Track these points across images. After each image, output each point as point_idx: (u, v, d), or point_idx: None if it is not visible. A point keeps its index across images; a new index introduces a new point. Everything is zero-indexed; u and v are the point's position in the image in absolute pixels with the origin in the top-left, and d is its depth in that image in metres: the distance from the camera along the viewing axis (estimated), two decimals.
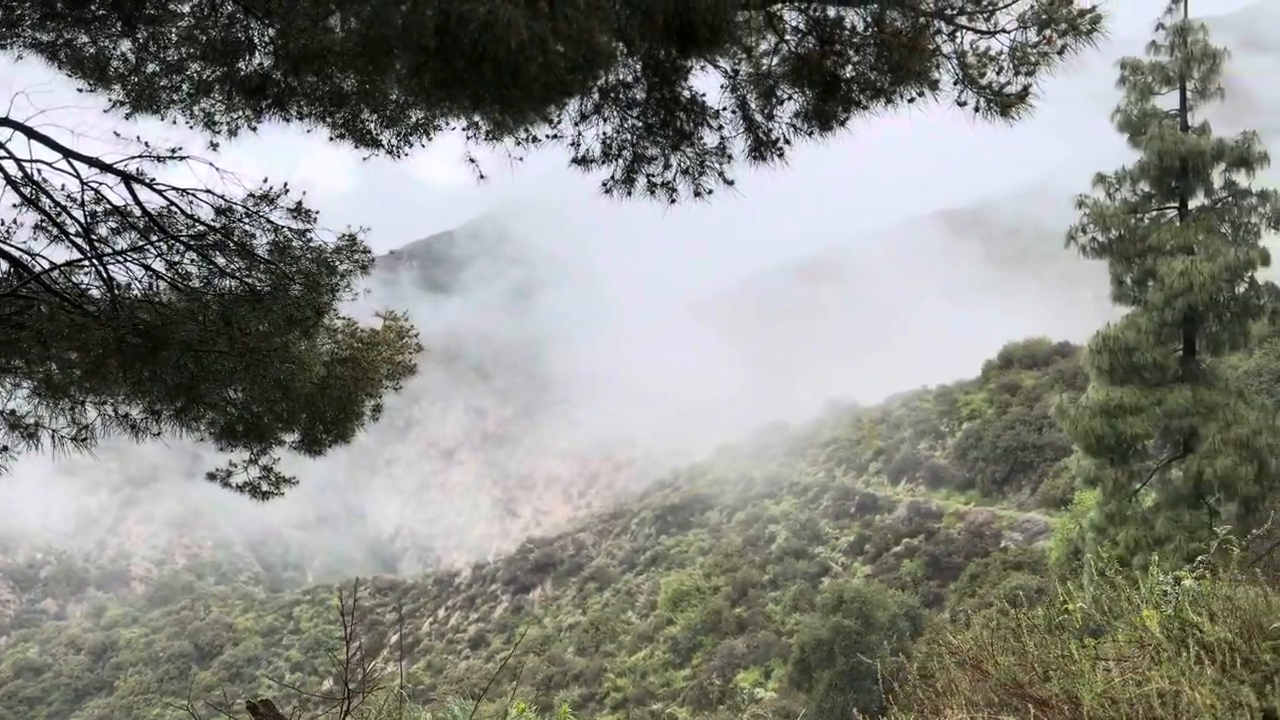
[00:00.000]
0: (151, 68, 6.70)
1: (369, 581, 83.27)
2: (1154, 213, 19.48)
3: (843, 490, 60.23)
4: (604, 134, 5.09)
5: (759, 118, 4.76)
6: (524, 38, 2.89)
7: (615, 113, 4.95)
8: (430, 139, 6.65)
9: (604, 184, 5.19)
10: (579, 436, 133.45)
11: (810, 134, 4.96)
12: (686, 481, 77.85)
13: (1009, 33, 4.86)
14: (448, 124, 6.30)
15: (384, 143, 6.79)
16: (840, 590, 34.73)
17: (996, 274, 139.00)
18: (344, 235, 7.00)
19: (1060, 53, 4.84)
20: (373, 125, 6.77)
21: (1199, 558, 5.23)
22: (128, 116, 6.86)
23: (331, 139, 6.78)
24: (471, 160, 5.17)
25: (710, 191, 5.07)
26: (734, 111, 5.09)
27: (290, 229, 6.83)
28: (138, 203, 6.83)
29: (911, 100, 4.88)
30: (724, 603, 46.02)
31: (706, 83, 5.12)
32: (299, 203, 6.72)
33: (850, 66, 4.54)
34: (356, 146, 6.87)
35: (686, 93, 4.74)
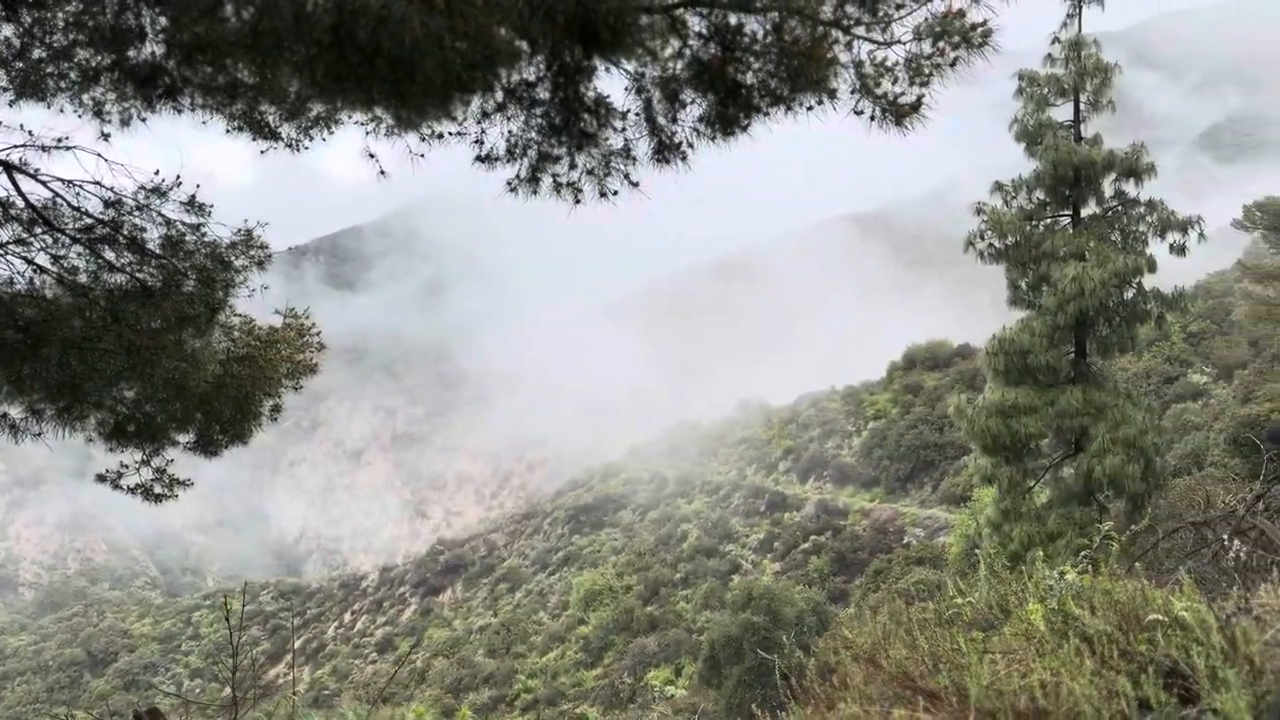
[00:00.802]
0: (37, 53, 6.43)
1: (272, 585, 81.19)
2: (1048, 220, 20.20)
3: (753, 489, 61.00)
4: (509, 132, 5.07)
5: (663, 121, 4.80)
6: (419, 34, 2.86)
7: (520, 111, 4.93)
8: (331, 132, 6.53)
9: (509, 183, 5.17)
10: (491, 436, 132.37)
11: (713, 138, 5.01)
12: (599, 481, 77.87)
13: (904, 44, 4.99)
14: (350, 118, 6.20)
15: (283, 136, 6.64)
16: (749, 587, 35.18)
17: (902, 277, 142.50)
18: (240, 230, 6.82)
19: (953, 64, 4.99)
20: (272, 118, 6.61)
21: (1082, 553, 5.46)
22: (11, 104, 6.58)
23: (228, 131, 6.60)
24: (371, 156, 5.09)
25: (616, 193, 5.09)
26: (639, 114, 5.11)
27: (184, 223, 6.62)
28: (20, 194, 6.54)
29: (810, 108, 4.97)
30: (636, 601, 46.16)
31: (612, 85, 5.14)
32: (193, 196, 6.52)
33: (751, 73, 4.61)
34: (254, 139, 6.70)
35: (591, 94, 4.74)
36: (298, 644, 63.37)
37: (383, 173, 5.17)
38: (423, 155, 5.06)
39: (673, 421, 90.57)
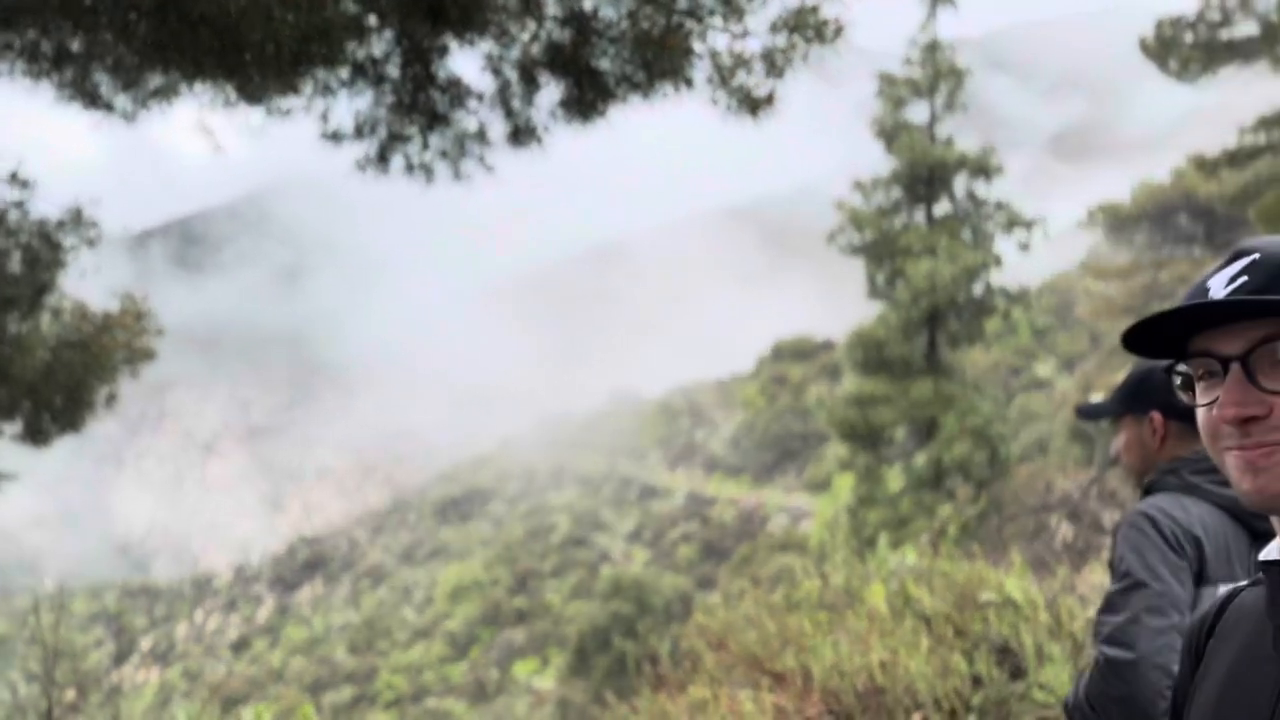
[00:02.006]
0: None
1: (117, 584, 77.14)
2: (904, 217, 21.00)
3: (624, 479, 61.36)
4: (357, 110, 4.90)
5: (518, 103, 4.73)
6: (244, 3, 2.71)
7: (368, 88, 4.78)
8: (170, 104, 6.20)
9: (358, 162, 5.00)
10: (354, 427, 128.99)
11: (570, 122, 4.97)
12: (468, 473, 76.95)
13: (760, 37, 5.06)
14: (190, 90, 5.89)
15: (117, 107, 6.27)
16: (618, 577, 35.38)
17: (774, 270, 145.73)
18: (70, 208, 6.40)
19: (805, 58, 5.08)
20: (105, 87, 6.23)
21: (923, 536, 5.68)
22: None
23: (58, 100, 6.18)
24: (206, 130, 4.84)
25: (469, 176, 4.99)
26: (495, 96, 5.03)
27: (5, 200, 6.17)
28: None
29: (667, 96, 4.98)
30: (504, 594, 45.83)
31: (467, 65, 5.03)
32: (14, 171, 6.08)
33: (608, 59, 4.58)
34: (86, 108, 6.31)
35: (443, 73, 4.63)
36: (146, 645, 60.41)
37: (220, 148, 4.92)
38: (263, 132, 4.84)
39: (545, 412, 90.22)
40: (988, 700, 4.13)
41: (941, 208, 21.02)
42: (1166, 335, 1.12)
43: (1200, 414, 1.12)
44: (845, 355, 20.91)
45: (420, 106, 4.53)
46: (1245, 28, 22.42)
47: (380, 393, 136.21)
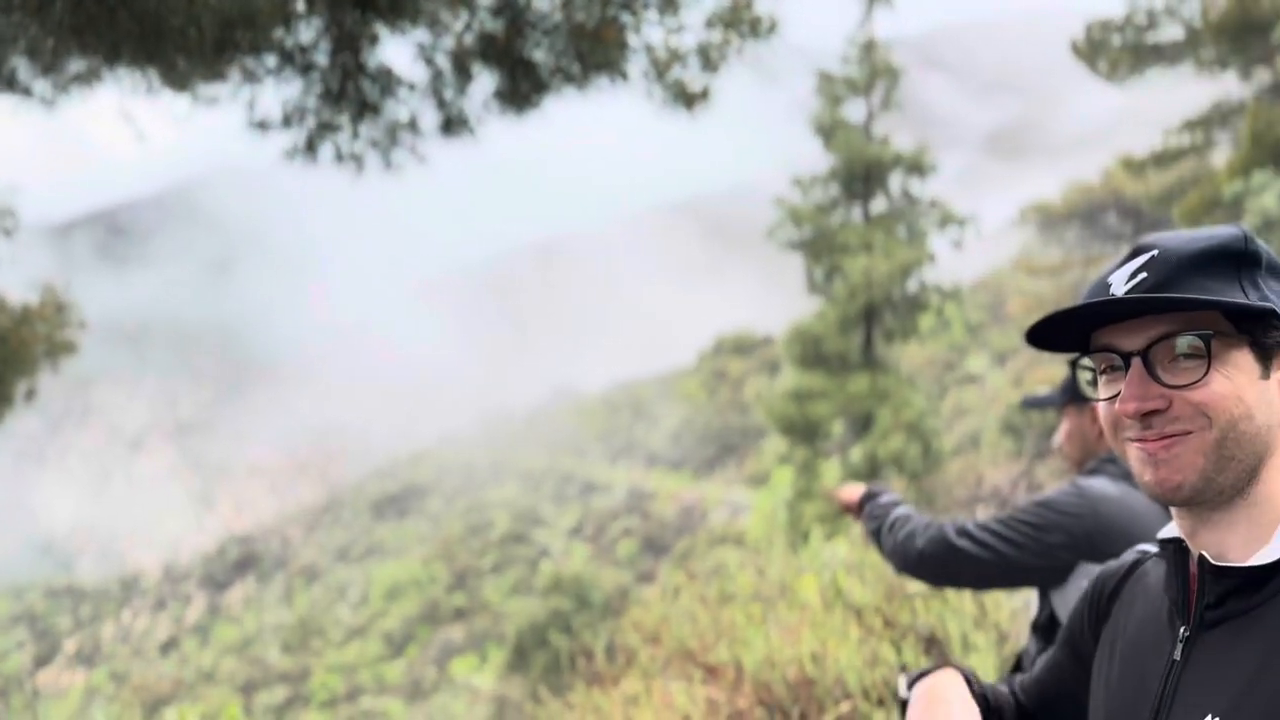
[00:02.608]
0: None
1: (40, 584, 74.86)
2: (842, 214, 21.24)
3: (564, 474, 61.24)
4: (285, 98, 4.80)
5: (450, 94, 4.67)
6: None
7: (296, 76, 4.68)
8: (91, 90, 6.01)
9: (286, 151, 4.90)
10: (287, 423, 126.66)
11: (504, 113, 4.93)
12: (406, 469, 76.14)
13: (694, 31, 5.06)
14: (113, 76, 5.72)
15: (36, 92, 6.06)
16: (558, 573, 35.29)
17: (716, 265, 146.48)
18: None
19: (740, 54, 5.10)
20: (22, 71, 6.02)
21: (851, 528, 5.77)
22: None
23: None
24: (128, 118, 4.70)
25: (401, 166, 4.92)
26: (427, 86, 4.96)
27: None
28: None
29: (603, 89, 4.96)
30: (441, 591, 45.44)
31: (399, 54, 4.96)
32: None
33: (541, 50, 4.55)
34: (2, 92, 6.09)
35: (373, 62, 4.56)
36: (70, 647, 58.75)
37: (143, 137, 4.78)
38: (189, 120, 4.72)
39: (485, 407, 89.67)
40: None
41: (878, 205, 21.30)
42: (1070, 331, 1.15)
43: (1102, 407, 1.15)
44: (784, 350, 21.09)
45: (350, 95, 4.45)
46: (1170, 32, 23.12)
47: (314, 387, 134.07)
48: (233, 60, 3.94)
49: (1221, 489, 1.08)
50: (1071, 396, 2.67)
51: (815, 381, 19.65)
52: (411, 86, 4.84)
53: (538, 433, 73.25)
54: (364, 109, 4.53)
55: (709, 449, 56.32)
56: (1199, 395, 1.06)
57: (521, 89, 4.68)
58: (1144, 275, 1.10)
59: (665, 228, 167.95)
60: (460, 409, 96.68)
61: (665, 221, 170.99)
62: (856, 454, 19.99)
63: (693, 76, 5.04)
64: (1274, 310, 1.07)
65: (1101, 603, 1.31)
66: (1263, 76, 21.52)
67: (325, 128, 4.71)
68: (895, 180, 21.23)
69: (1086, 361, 1.17)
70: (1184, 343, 1.06)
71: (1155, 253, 1.11)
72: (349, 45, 4.28)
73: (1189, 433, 1.07)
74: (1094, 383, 1.18)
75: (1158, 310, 1.07)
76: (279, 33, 4.08)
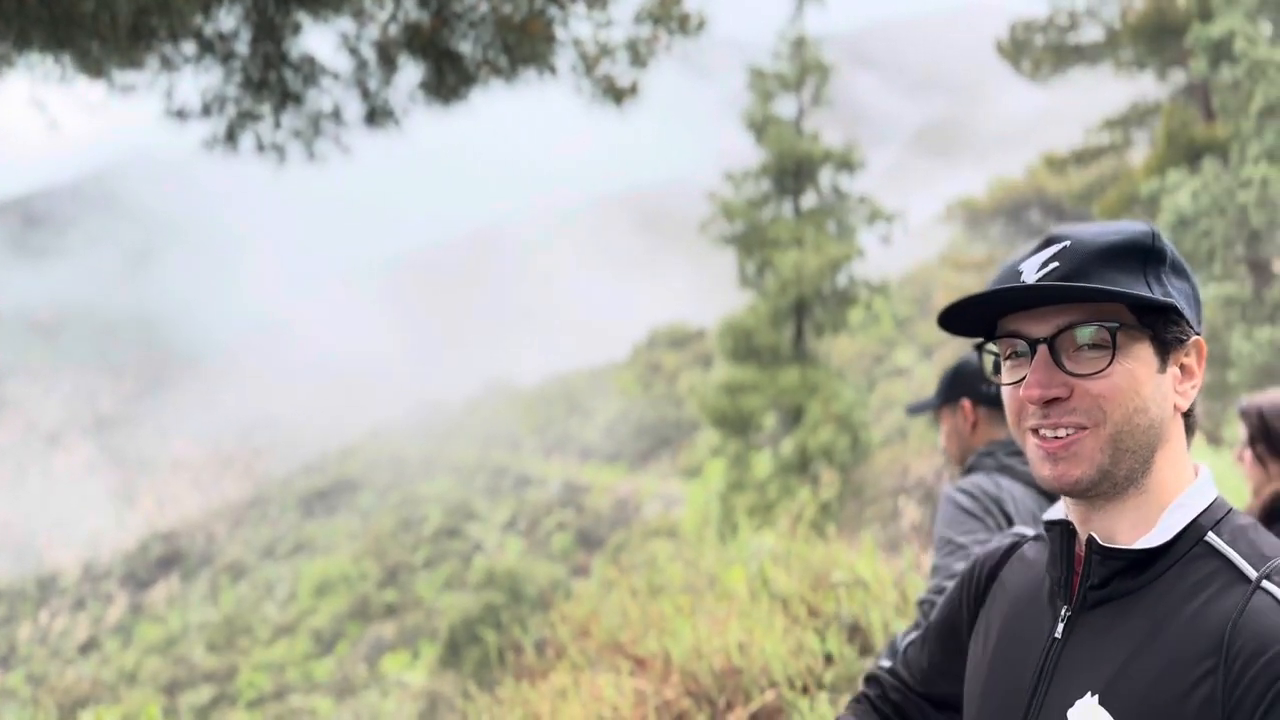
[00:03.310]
0: None
1: None
2: (773, 209, 21.45)
3: (498, 468, 60.86)
4: (204, 86, 4.69)
5: (374, 84, 4.61)
6: None
7: (216, 64, 4.57)
8: (2, 76, 5.80)
9: (205, 140, 4.79)
10: (212, 417, 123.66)
11: (430, 105, 4.88)
12: (335, 464, 74.94)
13: (622, 26, 5.07)
14: (25, 62, 5.53)
15: None
16: (491, 567, 35.07)
17: (649, 258, 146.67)
18: None
19: (669, 49, 5.12)
20: None
21: (781, 519, 5.85)
22: None
23: None
24: (40, 105, 4.55)
25: (324, 156, 4.84)
26: (351, 76, 4.89)
27: None
28: None
29: (531, 82, 4.94)
30: (372, 588, 44.85)
31: (322, 43, 4.88)
32: None
33: (467, 42, 4.52)
34: None
35: (296, 51, 4.47)
36: None
37: (55, 125, 4.63)
38: (105, 108, 4.58)
39: (417, 400, 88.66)
40: (838, 677, 4.27)
41: (808, 200, 21.55)
42: (978, 316, 1.18)
43: (1006, 392, 1.18)
44: (716, 344, 21.25)
45: (271, 85, 4.37)
46: (1091, 33, 23.76)
47: (240, 380, 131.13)
48: (149, 47, 3.83)
49: (1116, 481, 1.12)
50: (945, 399, 2.77)
51: (747, 375, 19.84)
52: (335, 76, 4.77)
53: (471, 426, 72.72)
54: (286, 98, 4.45)
55: (643, 442, 56.47)
56: (1099, 386, 1.10)
57: (448, 81, 4.64)
58: (1055, 265, 1.13)
59: (600, 220, 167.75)
60: (391, 402, 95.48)
61: (600, 214, 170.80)
62: (787, 446, 20.23)
63: (621, 71, 5.05)
64: (1176, 306, 1.11)
65: (979, 586, 1.34)
66: (1178, 78, 22.25)
67: (246, 117, 4.61)
68: (825, 176, 21.51)
69: (992, 346, 1.19)
70: (1089, 333, 1.10)
71: (1067, 243, 1.14)
72: (270, 34, 4.20)
73: (1085, 428, 1.11)
74: (997, 368, 1.20)
75: (1067, 299, 1.10)
76: (198, 20, 3.98)
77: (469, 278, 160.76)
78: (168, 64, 4.26)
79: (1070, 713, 1.10)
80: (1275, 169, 15.14)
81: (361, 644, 38.30)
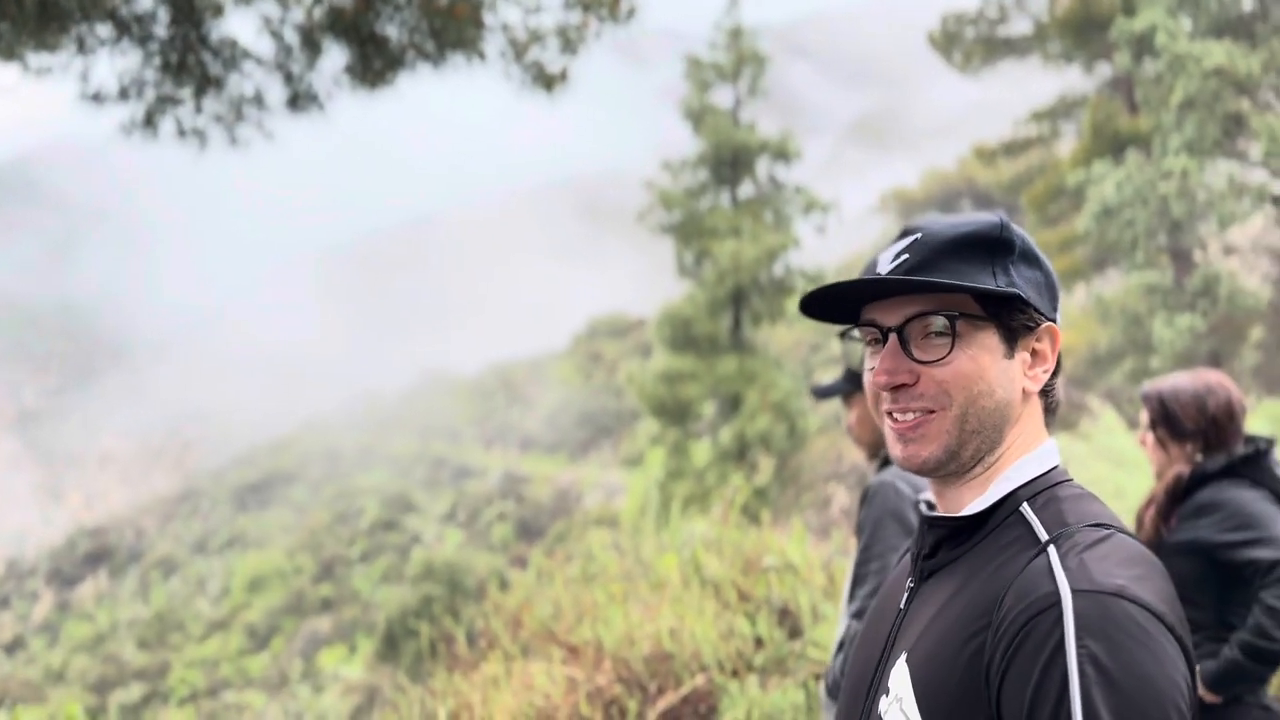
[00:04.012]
0: None
1: None
2: (711, 198, 21.53)
3: (436, 459, 60.34)
4: (122, 70, 4.56)
5: (298, 69, 4.52)
6: None
7: (134, 47, 4.45)
8: None
9: (123, 125, 4.66)
10: (142, 410, 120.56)
11: (356, 90, 4.80)
12: (268, 456, 73.64)
13: (552, 13, 5.04)
14: None
15: None
16: (430, 559, 34.75)
17: (589, 247, 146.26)
18: None
19: (599, 36, 5.10)
20: None
21: (716, 506, 5.89)
22: None
23: None
24: None
25: (247, 142, 4.73)
26: (274, 60, 4.79)
27: None
28: None
29: (459, 68, 4.89)
30: (307, 582, 44.22)
31: (244, 27, 4.78)
32: None
33: (393, 26, 4.45)
34: None
35: (216, 34, 4.37)
36: None
37: None
38: (18, 92, 4.43)
39: (352, 391, 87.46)
40: (768, 659, 4.33)
41: (746, 190, 21.67)
42: (847, 305, 1.23)
43: (866, 378, 1.23)
44: (655, 333, 21.28)
45: (191, 68, 4.25)
46: (1020, 25, 24.21)
47: (169, 371, 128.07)
48: (63, 29, 3.71)
49: (964, 460, 1.18)
50: (855, 382, 2.80)
51: (685, 364, 19.92)
52: (258, 60, 4.67)
53: (409, 417, 71.95)
54: (206, 83, 4.34)
55: (584, 432, 56.42)
56: (943, 373, 1.15)
57: (373, 65, 4.57)
58: (906, 256, 1.18)
59: (539, 209, 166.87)
60: (326, 393, 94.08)
61: (539, 202, 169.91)
62: (726, 434, 20.38)
63: (552, 58, 5.02)
64: (1019, 295, 1.16)
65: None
66: (1104, 71, 22.77)
67: (166, 101, 4.49)
68: (762, 166, 21.65)
69: (854, 334, 1.25)
70: (935, 322, 1.15)
71: (919, 235, 1.19)
72: (189, 15, 4.09)
73: (933, 411, 1.16)
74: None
75: (913, 291, 1.15)
76: (112, 0, 3.87)
77: (406, 266, 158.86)
78: (83, 46, 4.13)
79: (891, 673, 1.15)
80: (1194, 161, 15.60)
81: (297, 639, 37.76)
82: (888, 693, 1.14)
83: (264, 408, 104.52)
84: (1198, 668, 2.41)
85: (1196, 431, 2.60)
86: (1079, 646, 0.97)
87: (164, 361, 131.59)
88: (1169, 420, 2.63)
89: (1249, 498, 2.48)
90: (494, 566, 36.63)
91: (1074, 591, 1.00)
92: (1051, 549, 1.07)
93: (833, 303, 1.22)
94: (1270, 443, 2.58)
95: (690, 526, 5.91)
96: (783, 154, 21.29)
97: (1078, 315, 21.78)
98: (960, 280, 1.14)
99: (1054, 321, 1.21)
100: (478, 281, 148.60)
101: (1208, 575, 2.49)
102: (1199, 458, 2.60)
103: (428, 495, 55.29)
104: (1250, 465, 2.53)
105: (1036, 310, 1.19)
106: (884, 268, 1.18)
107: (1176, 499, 2.57)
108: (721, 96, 21.60)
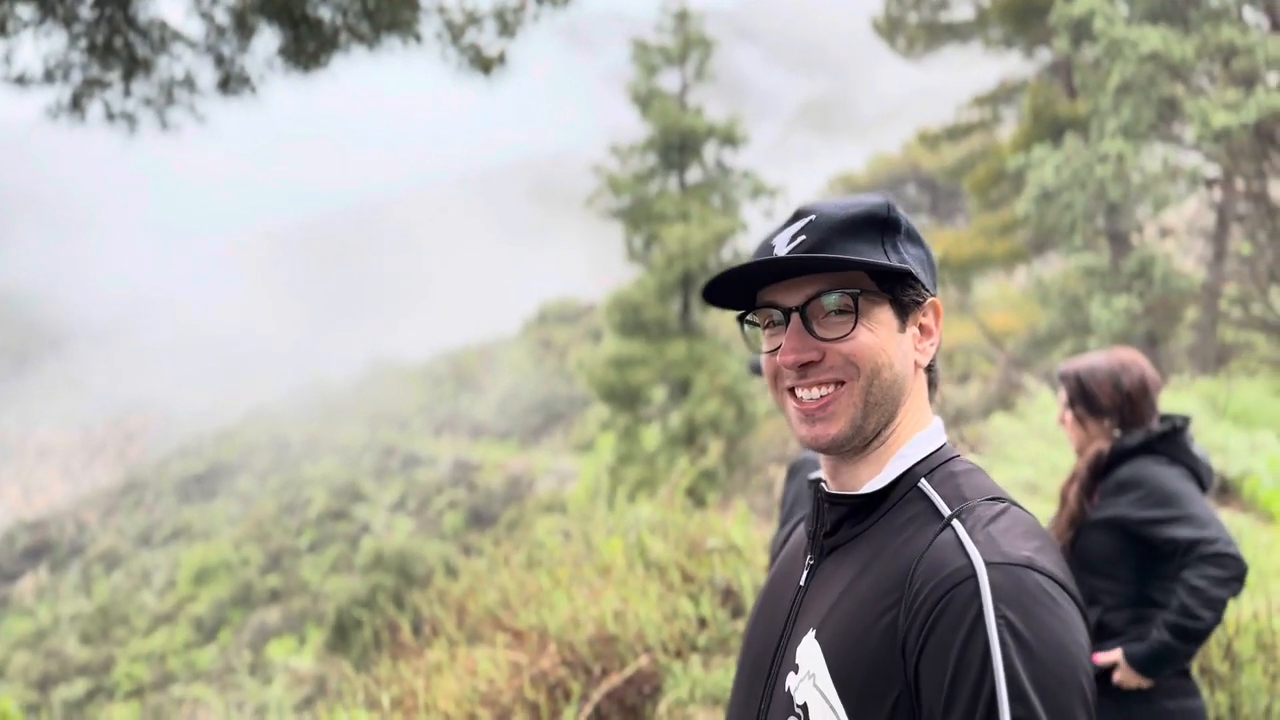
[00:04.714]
0: None
1: None
2: (659, 183, 21.51)
3: (385, 448, 59.79)
4: (46, 52, 4.43)
5: (229, 50, 4.43)
6: None
7: (59, 28, 4.33)
8: None
9: (48, 108, 4.53)
10: (81, 401, 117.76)
11: (290, 73, 4.72)
12: (213, 447, 72.44)
13: None
14: None
15: None
16: (379, 548, 34.45)
17: (538, 232, 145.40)
18: None
19: (537, 19, 5.07)
20: None
21: (661, 489, 5.94)
22: None
23: None
24: None
25: (178, 126, 4.63)
26: (205, 42, 4.70)
27: None
28: None
29: (395, 50, 4.83)
30: (255, 573, 43.64)
31: (174, 8, 4.68)
32: None
33: (327, 8, 4.38)
34: None
35: (144, 15, 4.26)
36: None
37: None
38: None
39: (298, 379, 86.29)
40: (711, 640, 4.37)
41: (694, 175, 21.69)
42: (741, 290, 1.25)
43: (764, 359, 1.26)
44: (604, 318, 21.26)
45: (118, 50, 4.15)
46: (962, 11, 24.46)
47: (110, 360, 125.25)
48: None
49: (866, 435, 1.21)
50: None
51: (635, 348, 19.93)
52: (188, 43, 4.57)
53: (356, 405, 71.18)
54: (135, 65, 4.23)
55: (535, 418, 56.25)
56: (848, 347, 1.18)
57: (307, 47, 4.50)
58: (803, 238, 1.21)
59: (487, 192, 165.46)
60: (272, 381, 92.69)
61: (487, 186, 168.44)
62: (675, 419, 20.45)
63: (489, 41, 4.98)
64: (911, 271, 1.20)
65: (778, 545, 1.45)
66: (1043, 56, 23.11)
67: (93, 84, 4.37)
68: (710, 150, 21.67)
69: (752, 317, 1.27)
70: (835, 300, 1.18)
71: (813, 217, 1.22)
72: None
73: (842, 382, 1.19)
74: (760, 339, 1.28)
75: (813, 270, 1.18)
76: None
77: (352, 251, 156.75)
78: (4, 28, 4.01)
79: (798, 650, 1.18)
80: (1130, 145, 15.92)
81: (245, 631, 37.27)
82: (796, 669, 1.16)
83: (208, 397, 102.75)
84: (1124, 651, 2.49)
85: (1113, 408, 2.67)
86: (997, 617, 1.01)
87: (104, 350, 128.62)
88: (1086, 398, 2.70)
89: (1169, 475, 2.55)
90: (445, 555, 36.41)
91: (987, 564, 1.04)
92: (956, 523, 1.10)
93: (730, 288, 1.24)
94: (1186, 420, 2.65)
95: (636, 510, 5.94)
96: (730, 138, 21.33)
97: (1018, 298, 22.15)
98: (858, 258, 1.17)
99: (936, 297, 1.26)
100: (426, 267, 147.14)
101: (1128, 550, 2.55)
102: (1117, 433, 2.67)
103: (377, 484, 54.80)
104: (1168, 442, 2.61)
105: (924, 286, 1.23)
106: (781, 250, 1.21)
107: (1098, 475, 2.64)
108: (669, 80, 21.57)
